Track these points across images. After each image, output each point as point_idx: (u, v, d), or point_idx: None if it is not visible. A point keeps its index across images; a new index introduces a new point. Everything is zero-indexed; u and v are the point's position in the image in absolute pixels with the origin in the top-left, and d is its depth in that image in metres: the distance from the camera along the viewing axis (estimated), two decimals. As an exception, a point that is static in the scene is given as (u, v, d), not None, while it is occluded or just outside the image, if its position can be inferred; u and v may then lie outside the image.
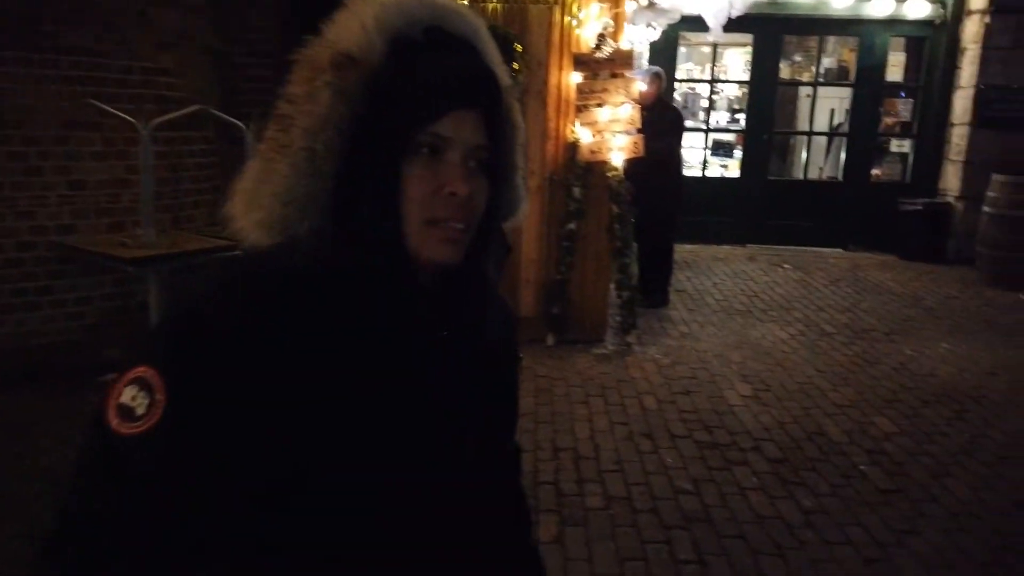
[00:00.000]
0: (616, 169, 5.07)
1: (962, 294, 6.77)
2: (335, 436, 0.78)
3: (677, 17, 7.30)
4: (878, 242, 8.54)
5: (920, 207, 8.11)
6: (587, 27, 4.90)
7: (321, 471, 0.77)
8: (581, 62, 4.94)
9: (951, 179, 8.19)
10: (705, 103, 9.16)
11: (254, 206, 0.80)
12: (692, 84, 9.78)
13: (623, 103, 5.00)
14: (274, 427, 0.75)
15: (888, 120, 8.77)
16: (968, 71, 7.87)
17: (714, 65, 8.68)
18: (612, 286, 5.34)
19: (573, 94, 4.99)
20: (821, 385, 4.56)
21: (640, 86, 5.35)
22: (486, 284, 0.91)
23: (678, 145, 6.19)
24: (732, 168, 9.35)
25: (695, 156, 8.88)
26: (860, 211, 8.59)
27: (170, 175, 4.63)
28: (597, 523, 3.04)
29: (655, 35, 7.38)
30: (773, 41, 8.48)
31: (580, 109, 5.02)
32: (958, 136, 8.04)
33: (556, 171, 5.12)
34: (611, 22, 4.89)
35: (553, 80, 5.00)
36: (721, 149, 9.30)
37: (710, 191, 8.88)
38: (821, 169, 9.47)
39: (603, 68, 4.95)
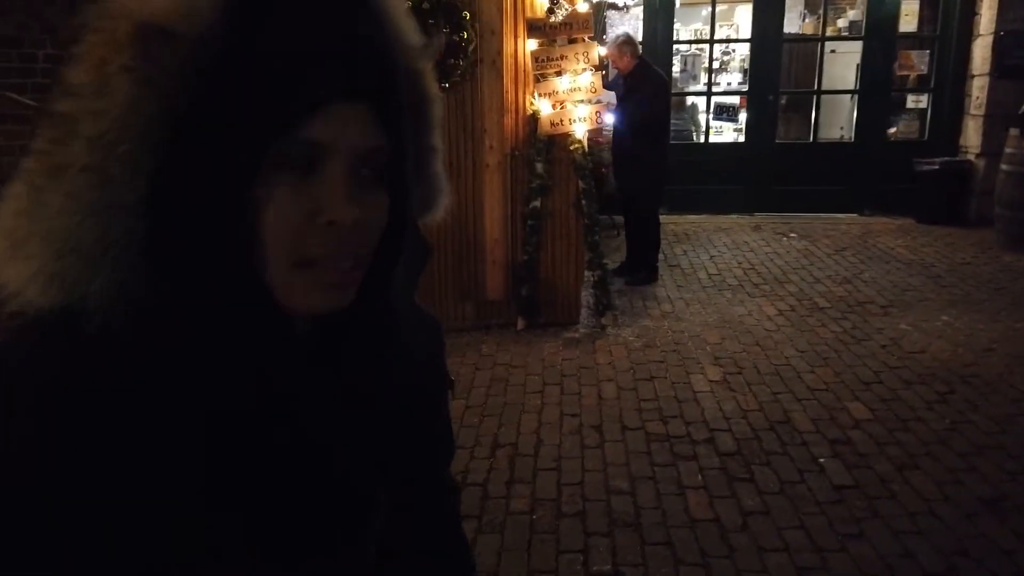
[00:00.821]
0: (579, 141, 4.78)
1: (976, 259, 6.32)
2: (199, 549, 0.56)
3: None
4: (895, 205, 8.05)
5: (937, 166, 7.60)
6: (544, -9, 4.59)
7: None
8: (535, 28, 4.63)
9: (971, 135, 7.65)
10: (706, 64, 8.69)
11: (20, 255, 0.54)
12: (693, 45, 9.32)
13: (584, 70, 4.68)
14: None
15: (903, 74, 8.22)
16: (987, 16, 7.30)
17: (713, 24, 8.22)
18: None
19: (530, 63, 4.70)
20: (798, 366, 4.25)
21: (601, 51, 5.00)
22: (392, 319, 0.68)
23: (662, 112, 5.82)
24: (738, 133, 8.91)
25: (698, 121, 8.47)
26: (875, 173, 8.10)
27: None
28: (515, 530, 2.83)
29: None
30: (775, -6, 7.98)
31: (538, 79, 4.72)
32: (978, 88, 7.49)
33: (517, 146, 4.84)
34: (566, -17, 4.57)
35: (508, 49, 4.71)
36: (724, 113, 8.85)
37: (714, 158, 8.48)
38: (842, 129, 8.96)
39: (559, 33, 4.64)
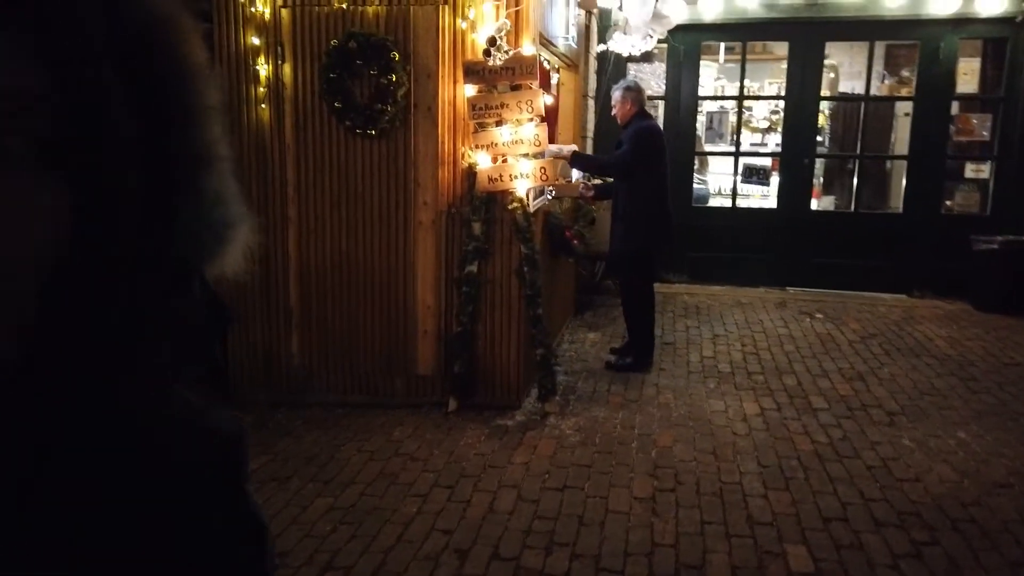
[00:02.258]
0: (520, 200, 4.16)
1: (1029, 360, 5.28)
2: None
3: (672, 23, 6.28)
4: (949, 288, 7.03)
5: (998, 245, 6.58)
6: (481, 31, 4.05)
7: None
8: (473, 72, 4.09)
9: (1040, 211, 6.60)
10: (734, 122, 7.95)
11: None
12: (718, 101, 8.61)
13: (527, 120, 4.10)
14: None
15: (961, 139, 7.25)
16: (1059, 77, 6.32)
17: (742, 78, 7.50)
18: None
19: (466, 110, 4.15)
20: (750, 487, 3.43)
21: (547, 100, 4.39)
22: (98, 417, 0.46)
23: (649, 164, 5.04)
24: (767, 198, 8.09)
25: (723, 183, 7.72)
26: (926, 249, 7.12)
27: None
28: None
29: (648, 45, 6.36)
30: (813, 49, 7.22)
31: (476, 129, 4.16)
32: (1047, 158, 6.47)
33: (454, 203, 4.27)
34: (507, 23, 4.02)
35: (446, 94, 4.18)
36: (755, 176, 8.05)
37: (742, 224, 7.68)
38: (890, 199, 8.02)
39: (500, 79, 4.08)
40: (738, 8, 7.34)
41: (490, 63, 4.00)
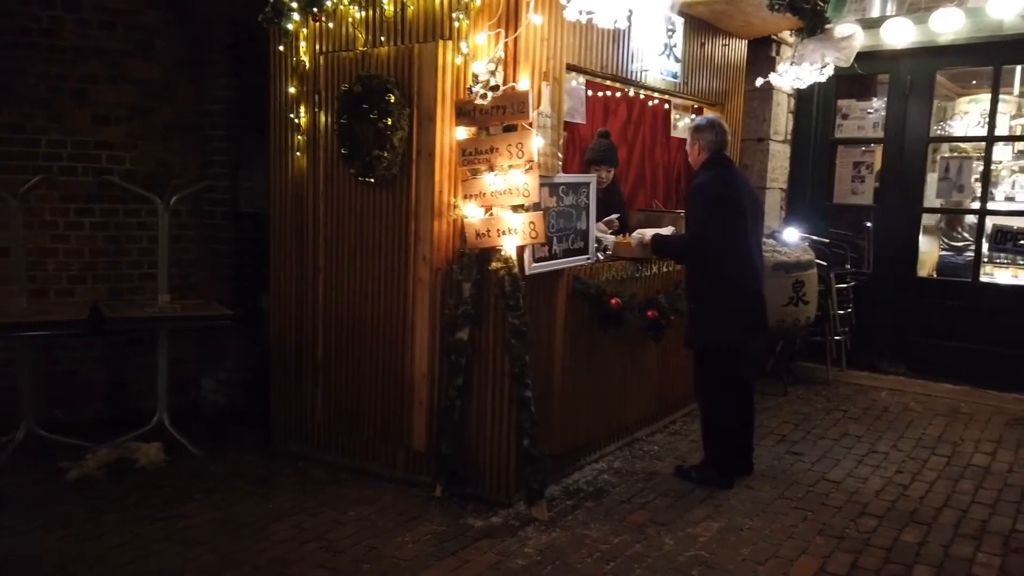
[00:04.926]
0: (507, 260, 3.51)
1: None
2: None
3: (855, 50, 4.92)
4: None
5: None
6: (477, 65, 3.53)
7: None
8: (464, 113, 3.57)
9: None
10: (980, 171, 6.00)
11: None
12: (958, 144, 6.61)
13: (513, 167, 3.45)
14: None
15: None
16: None
17: (993, 114, 5.64)
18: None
19: (456, 155, 3.64)
20: None
21: (539, 143, 3.62)
22: None
23: (720, 230, 3.80)
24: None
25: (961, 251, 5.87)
26: None
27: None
28: None
29: (821, 77, 5.06)
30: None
31: (468, 176, 3.62)
32: None
33: (452, 258, 3.77)
34: (501, 55, 3.44)
35: (446, 139, 3.72)
36: (1010, 241, 5.95)
37: (989, 306, 5.78)
38: None
39: (492, 120, 3.51)
40: (989, 23, 5.60)
41: (478, 101, 3.45)
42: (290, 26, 4.13)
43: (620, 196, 5.17)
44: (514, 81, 3.48)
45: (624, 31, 4.09)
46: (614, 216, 4.86)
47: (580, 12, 3.18)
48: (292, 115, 4.22)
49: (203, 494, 3.87)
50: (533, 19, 3.39)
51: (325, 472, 4.16)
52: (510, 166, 3.47)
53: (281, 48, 4.24)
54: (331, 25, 4.04)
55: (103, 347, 4.78)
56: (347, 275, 4.14)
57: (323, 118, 4.15)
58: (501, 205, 3.51)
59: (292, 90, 4.22)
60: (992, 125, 5.74)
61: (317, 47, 4.14)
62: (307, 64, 4.18)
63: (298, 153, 4.26)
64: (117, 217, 4.79)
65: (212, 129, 5.01)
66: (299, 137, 4.25)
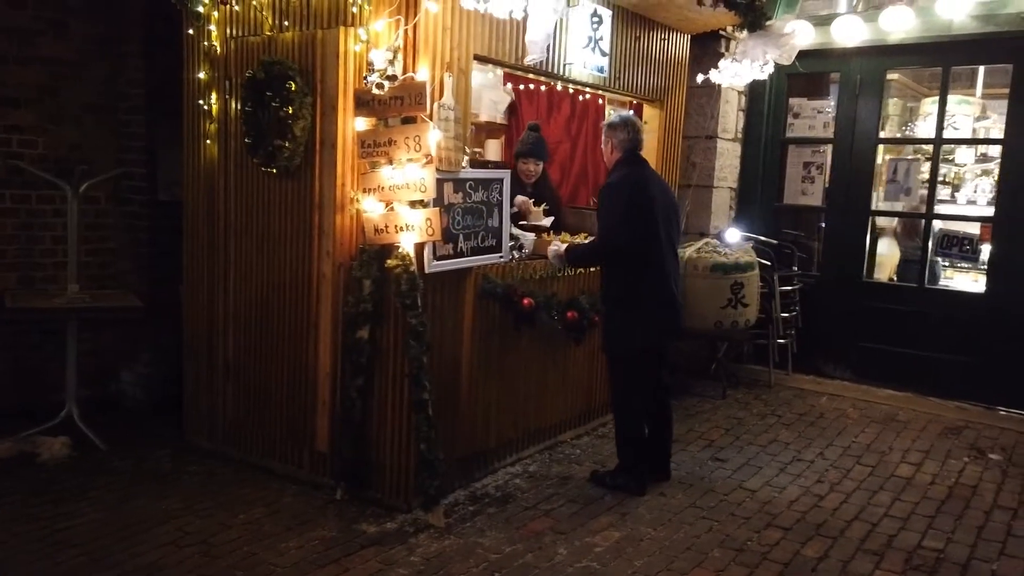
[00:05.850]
0: (404, 257, 3.38)
1: None
2: None
3: (796, 48, 4.79)
4: None
5: None
6: (374, 53, 3.39)
7: None
8: (363, 103, 3.44)
9: None
10: (926, 174, 5.89)
11: None
12: (905, 146, 6.51)
13: (410, 161, 3.32)
14: None
15: None
16: None
17: (941, 117, 5.52)
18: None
19: (355, 147, 3.50)
20: None
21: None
22: None
23: (627, 230, 3.67)
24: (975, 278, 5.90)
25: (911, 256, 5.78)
26: None
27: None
28: None
29: (762, 74, 4.93)
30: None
31: (367, 169, 3.49)
32: None
33: (354, 254, 3.63)
34: (400, 43, 3.31)
35: (348, 129, 3.58)
36: (956, 247, 5.84)
37: (934, 311, 5.68)
38: None
39: (391, 111, 3.37)
40: (939, 23, 5.48)
41: (376, 91, 3.31)
42: (200, 8, 3.98)
43: (551, 191, 5.02)
44: (414, 71, 3.34)
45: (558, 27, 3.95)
46: (544, 206, 4.71)
47: (477, 1, 3.06)
48: (201, 102, 4.08)
49: (99, 491, 3.74)
50: (429, 6, 3.25)
51: (231, 471, 4.03)
52: (408, 160, 3.34)
53: (191, 32, 4.09)
54: (238, 8, 3.89)
55: (7, 336, 4.62)
56: (256, 268, 4.00)
57: (233, 105, 4.00)
58: (399, 200, 3.38)
59: (202, 75, 4.07)
60: (940, 127, 5.61)
61: (228, 31, 3.99)
62: (218, 49, 4.03)
63: (208, 141, 4.12)
64: (29, 204, 4.62)
65: (129, 113, 4.84)
66: (210, 125, 4.10)
